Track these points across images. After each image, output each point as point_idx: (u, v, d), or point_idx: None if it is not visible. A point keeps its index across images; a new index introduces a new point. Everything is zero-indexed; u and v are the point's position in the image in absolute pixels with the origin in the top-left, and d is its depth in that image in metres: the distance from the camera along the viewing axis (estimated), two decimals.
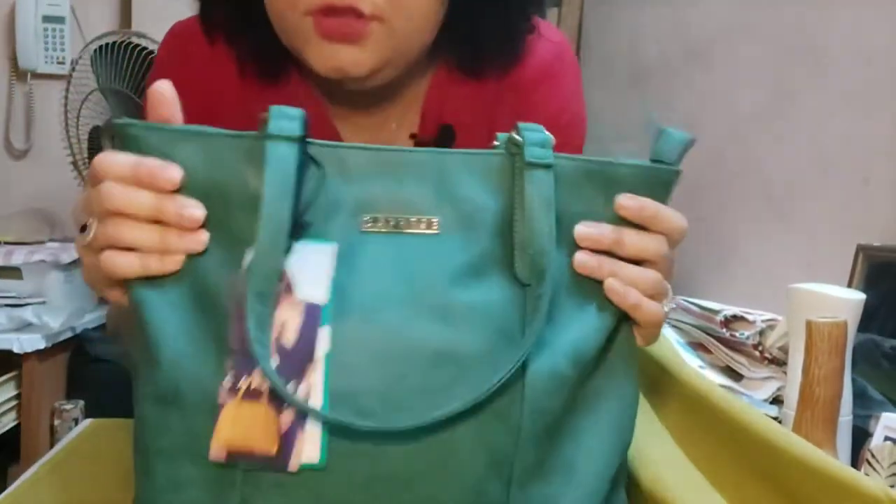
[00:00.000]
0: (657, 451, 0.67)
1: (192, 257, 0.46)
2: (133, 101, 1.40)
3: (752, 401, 0.76)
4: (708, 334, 0.84)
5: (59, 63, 2.04)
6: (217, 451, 0.44)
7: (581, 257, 0.49)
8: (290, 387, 0.44)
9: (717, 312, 0.82)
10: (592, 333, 0.49)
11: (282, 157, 0.46)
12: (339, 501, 0.45)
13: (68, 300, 1.50)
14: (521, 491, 0.46)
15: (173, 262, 0.46)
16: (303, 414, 0.44)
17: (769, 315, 0.80)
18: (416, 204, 0.50)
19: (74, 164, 1.57)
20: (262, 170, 0.46)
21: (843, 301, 0.68)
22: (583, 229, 0.49)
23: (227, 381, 0.44)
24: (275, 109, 0.47)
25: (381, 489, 0.45)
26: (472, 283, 0.48)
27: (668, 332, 0.87)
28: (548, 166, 0.49)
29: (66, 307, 1.48)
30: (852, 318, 0.68)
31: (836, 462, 0.53)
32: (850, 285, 0.76)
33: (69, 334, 1.50)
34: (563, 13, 1.72)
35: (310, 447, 0.44)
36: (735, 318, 0.81)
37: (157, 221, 0.45)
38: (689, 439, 0.67)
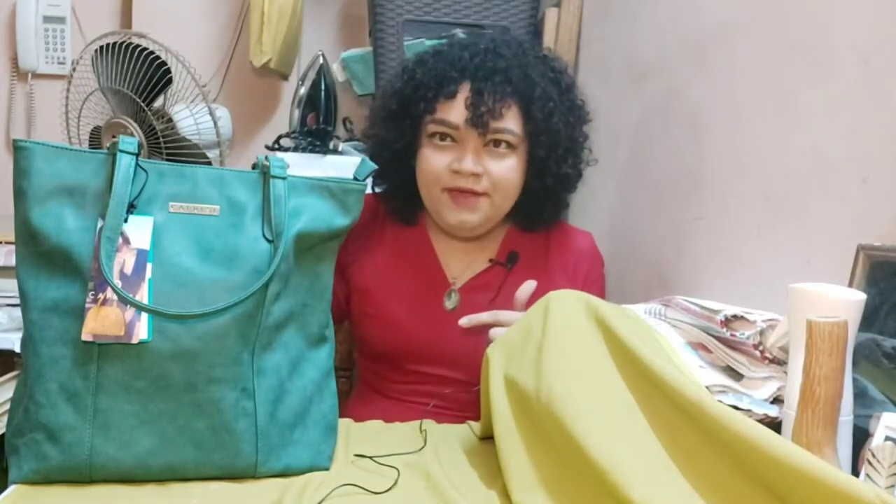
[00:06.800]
0: (646, 460, 0.67)
1: (61, 228, 0.74)
2: (133, 101, 1.40)
3: (753, 400, 0.76)
4: (708, 334, 0.84)
5: (59, 63, 2.05)
6: (86, 335, 0.74)
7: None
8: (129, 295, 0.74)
9: (717, 312, 0.82)
10: (309, 277, 0.85)
11: (125, 163, 0.77)
12: (155, 368, 0.75)
13: None
14: (259, 357, 0.81)
15: None
16: (138, 311, 0.75)
17: (769, 315, 0.80)
18: (204, 198, 0.81)
19: None
20: (113, 170, 0.76)
21: (844, 301, 0.68)
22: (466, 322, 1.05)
23: (90, 296, 0.75)
24: (122, 138, 0.78)
25: (181, 359, 0.76)
26: (238, 242, 0.80)
27: (667, 332, 0.87)
28: (284, 178, 0.83)
29: None
30: (853, 317, 0.68)
31: (829, 467, 0.53)
32: (850, 285, 0.76)
33: None
34: (563, 13, 1.72)
35: (142, 329, 0.75)
36: (735, 317, 0.81)
37: None
38: (680, 447, 0.67)
